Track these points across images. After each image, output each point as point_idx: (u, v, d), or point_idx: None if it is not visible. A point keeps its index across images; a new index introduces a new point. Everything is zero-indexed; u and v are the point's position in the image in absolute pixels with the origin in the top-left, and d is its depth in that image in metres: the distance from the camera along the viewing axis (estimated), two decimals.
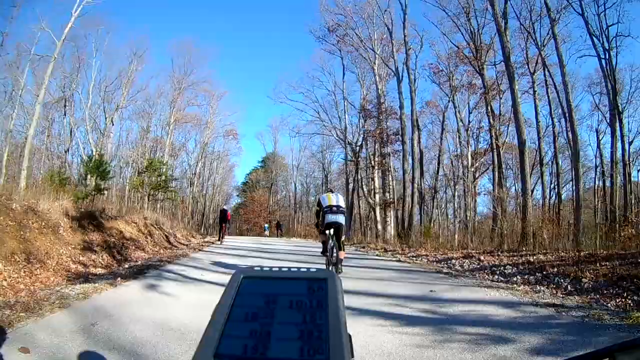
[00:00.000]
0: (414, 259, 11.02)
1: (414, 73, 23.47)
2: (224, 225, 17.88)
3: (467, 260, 9.26)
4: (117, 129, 34.90)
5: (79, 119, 30.10)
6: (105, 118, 30.69)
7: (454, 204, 31.33)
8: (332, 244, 6.84)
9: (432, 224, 26.46)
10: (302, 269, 0.50)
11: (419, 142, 24.11)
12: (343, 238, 7.30)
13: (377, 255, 13.01)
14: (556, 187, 22.99)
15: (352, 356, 0.39)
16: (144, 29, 65.56)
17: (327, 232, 6.92)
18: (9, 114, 21.95)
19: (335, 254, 6.71)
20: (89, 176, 13.09)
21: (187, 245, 14.50)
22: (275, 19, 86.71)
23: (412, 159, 21.35)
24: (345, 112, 31.00)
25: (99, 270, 7.83)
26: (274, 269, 0.50)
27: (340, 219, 6.96)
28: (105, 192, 14.02)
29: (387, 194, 27.67)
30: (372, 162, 28.59)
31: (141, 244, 11.21)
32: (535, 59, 20.12)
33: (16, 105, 21.55)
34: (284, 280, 0.48)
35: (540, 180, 21.02)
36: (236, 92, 79.10)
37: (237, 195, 65.81)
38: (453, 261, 9.45)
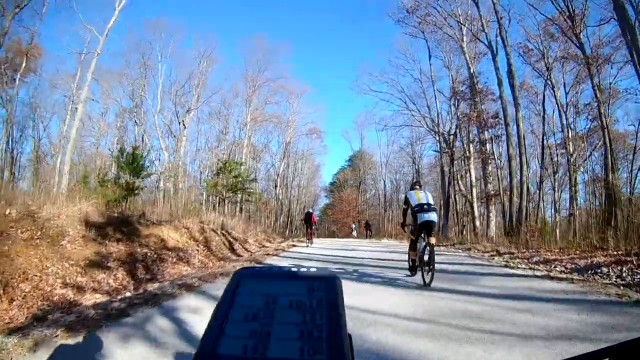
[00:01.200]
0: (548, 266, 7.87)
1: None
2: (309, 227, 17.60)
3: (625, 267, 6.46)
4: (193, 133, 34.53)
5: (152, 124, 29.84)
6: (179, 123, 30.09)
7: (553, 195, 26.61)
8: (424, 244, 6.11)
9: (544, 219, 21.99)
10: (302, 269, 0.49)
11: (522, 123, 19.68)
12: (434, 241, 6.28)
13: (492, 261, 9.53)
14: None
15: (352, 356, 0.40)
16: (211, 28, 65.74)
17: (421, 234, 6.28)
18: (62, 118, 21.47)
19: (427, 255, 5.86)
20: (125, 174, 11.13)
21: (253, 252, 12.05)
22: (350, 9, 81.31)
23: (519, 143, 17.20)
24: (435, 99, 27.15)
25: (98, 297, 5.48)
26: (273, 269, 0.51)
27: (434, 216, 6.17)
28: (139, 191, 11.93)
29: (488, 186, 23.75)
30: (467, 152, 24.55)
31: (188, 254, 8.88)
32: None
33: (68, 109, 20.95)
34: (284, 280, 0.48)
35: None
36: (317, 89, 77.51)
37: (325, 196, 63.97)
38: (605, 269, 6.66)
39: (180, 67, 32.30)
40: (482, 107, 23.13)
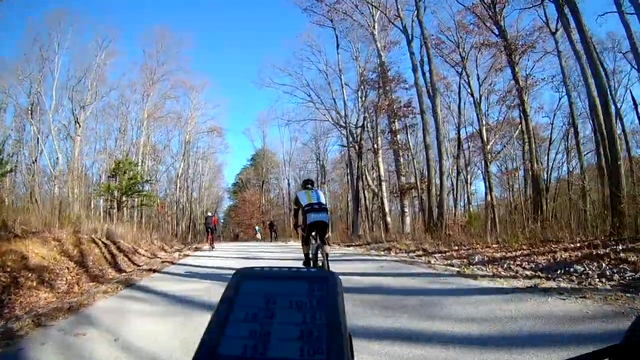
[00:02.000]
0: (501, 267, 6.71)
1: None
2: (210, 233, 17.54)
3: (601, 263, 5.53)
4: (93, 133, 31.47)
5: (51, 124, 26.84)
6: (75, 121, 27.16)
7: (467, 188, 28.27)
8: (316, 245, 6.23)
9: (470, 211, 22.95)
10: (302, 269, 0.49)
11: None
12: (327, 235, 6.49)
13: (430, 265, 7.84)
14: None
15: (352, 356, 0.41)
16: (113, 20, 60.48)
17: (311, 233, 6.39)
18: None
19: (321, 256, 5.93)
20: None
21: (140, 266, 10.68)
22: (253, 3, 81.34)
23: (437, 130, 17.00)
24: (342, 90, 26.70)
25: None
26: (274, 269, 0.50)
27: (324, 217, 6.22)
28: None
29: (402, 179, 23.56)
30: (375, 144, 24.61)
31: (55, 274, 7.43)
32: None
33: None
34: (284, 280, 0.48)
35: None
36: (218, 85, 75.27)
37: (229, 197, 62.81)
38: (578, 267, 5.57)
39: (79, 60, 29.16)
40: (393, 96, 23.26)
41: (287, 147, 47.90)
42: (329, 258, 5.95)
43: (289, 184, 47.71)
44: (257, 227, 38.74)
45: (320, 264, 6.09)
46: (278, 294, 0.45)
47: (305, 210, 6.25)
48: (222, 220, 61.37)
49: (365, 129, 25.41)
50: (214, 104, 42.26)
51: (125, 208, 23.00)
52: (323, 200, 6.35)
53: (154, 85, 31.28)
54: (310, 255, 6.48)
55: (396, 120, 22.93)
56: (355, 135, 26.05)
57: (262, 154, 51.87)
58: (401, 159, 24.13)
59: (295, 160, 47.56)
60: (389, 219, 23.33)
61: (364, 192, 27.03)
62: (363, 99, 25.91)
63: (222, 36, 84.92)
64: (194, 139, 39.99)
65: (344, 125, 26.97)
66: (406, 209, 21.64)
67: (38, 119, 27.24)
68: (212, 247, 16.87)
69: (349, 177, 29.41)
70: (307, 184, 6.70)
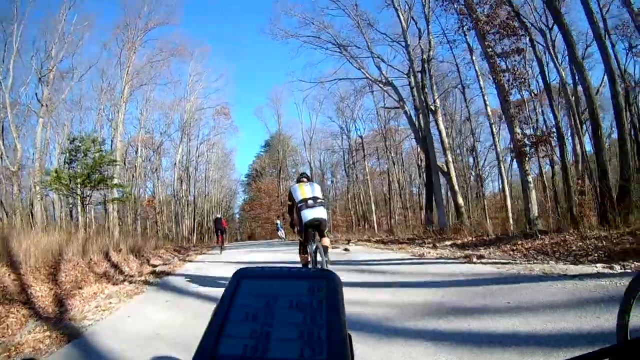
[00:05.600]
0: None
1: None
2: (220, 234, 16.86)
3: None
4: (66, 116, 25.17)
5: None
6: (37, 100, 21.04)
7: None
8: (314, 247, 5.27)
9: None
10: (301, 269, 0.49)
11: None
12: (326, 242, 5.46)
13: None
14: None
15: (352, 356, 0.40)
16: None
17: (308, 231, 5.34)
18: None
19: (321, 259, 5.08)
20: None
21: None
22: None
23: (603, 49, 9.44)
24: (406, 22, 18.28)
25: None
26: (273, 268, 0.49)
27: (320, 212, 5.35)
28: None
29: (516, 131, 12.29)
30: (434, 100, 17.42)
31: None
32: None
33: None
34: (284, 280, 0.48)
35: None
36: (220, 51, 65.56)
37: (243, 191, 55.91)
38: None
39: (44, 27, 22.70)
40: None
41: (307, 125, 40.65)
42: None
43: (311, 169, 39.93)
44: (278, 222, 27.99)
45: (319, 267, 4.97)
46: (278, 294, 0.44)
47: (299, 206, 5.36)
48: (237, 216, 55.41)
49: (426, 76, 17.64)
50: (216, 74, 35.15)
51: (90, 206, 16.48)
52: (319, 194, 5.48)
53: (137, 44, 24.18)
54: (309, 251, 5.35)
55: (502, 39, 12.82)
56: (415, 85, 18.04)
57: (277, 137, 44.81)
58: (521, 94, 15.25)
59: (316, 141, 39.93)
60: (460, 200, 16.51)
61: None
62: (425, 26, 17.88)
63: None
64: (196, 119, 33.21)
65: (383, 80, 19.87)
66: (529, 179, 11.92)
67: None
68: (222, 249, 16.09)
69: (416, 144, 21.85)
70: (302, 177, 5.84)
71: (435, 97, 17.93)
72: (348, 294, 0.80)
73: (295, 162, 46.31)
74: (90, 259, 8.63)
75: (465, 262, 6.56)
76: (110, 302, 5.18)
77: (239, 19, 74.52)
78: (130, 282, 7.26)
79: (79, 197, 14.50)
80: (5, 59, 20.25)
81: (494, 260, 6.43)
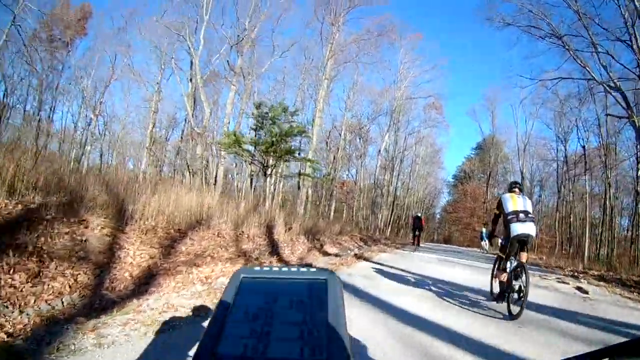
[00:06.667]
0: None
1: None
2: (417, 232, 16.91)
3: None
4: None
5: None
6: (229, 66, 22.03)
7: None
8: (515, 264, 4.80)
9: None
10: (302, 269, 0.48)
11: None
12: (525, 258, 4.89)
13: None
14: None
15: (352, 356, 0.40)
16: None
17: (513, 250, 4.91)
18: None
19: (517, 278, 4.59)
20: None
21: None
22: None
23: None
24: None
25: None
26: (274, 269, 0.49)
27: (530, 228, 4.86)
28: None
29: None
30: None
31: None
32: None
33: None
34: (284, 280, 0.47)
35: None
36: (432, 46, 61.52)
37: (448, 192, 52.64)
38: None
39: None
40: None
41: (522, 129, 35.65)
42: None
43: (522, 179, 33.96)
44: (483, 230, 21.63)
45: (517, 291, 4.51)
46: (278, 293, 0.43)
47: (508, 218, 4.98)
48: (438, 216, 52.54)
49: None
50: (429, 64, 32.59)
51: (274, 178, 16.13)
52: (530, 209, 5.07)
53: (340, 21, 23.28)
54: (507, 269, 4.88)
55: None
56: None
57: (490, 140, 40.60)
58: None
59: (529, 150, 34.77)
60: None
61: None
62: None
63: None
64: (405, 108, 31.62)
65: (610, 84, 15.90)
66: None
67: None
68: (417, 247, 16.07)
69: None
70: (514, 186, 5.39)
71: None
72: None
73: (505, 170, 40.89)
74: (242, 232, 7.74)
75: None
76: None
77: (450, 5, 68.69)
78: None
79: (261, 165, 13.99)
80: (197, 29, 21.26)
81: None
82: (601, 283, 8.56)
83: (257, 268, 0.48)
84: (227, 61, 22.11)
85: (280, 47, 23.76)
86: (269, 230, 8.98)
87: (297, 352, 0.36)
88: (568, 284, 7.98)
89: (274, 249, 7.81)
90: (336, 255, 9.82)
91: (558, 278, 8.88)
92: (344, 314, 0.41)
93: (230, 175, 27.25)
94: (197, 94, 20.73)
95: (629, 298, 6.77)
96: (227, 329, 0.39)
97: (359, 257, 9.78)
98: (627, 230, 28.81)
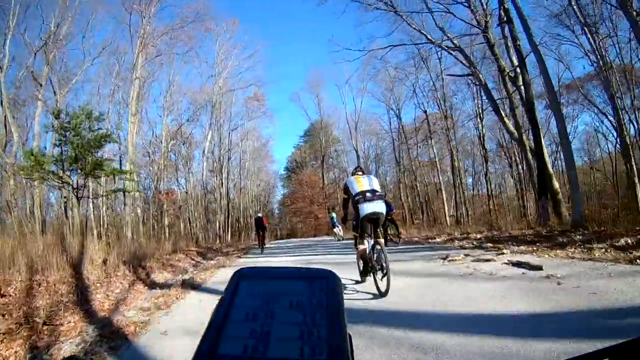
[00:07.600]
0: None
1: None
2: (261, 233, 16.58)
3: None
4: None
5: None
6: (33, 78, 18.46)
7: None
8: (372, 242, 5.01)
9: None
10: (302, 269, 0.49)
11: None
12: (382, 240, 5.11)
13: None
14: None
15: (352, 357, 0.40)
16: None
17: (365, 229, 5.06)
18: None
19: (382, 258, 4.69)
20: None
21: None
22: None
23: None
24: None
25: None
26: (273, 268, 0.49)
27: (380, 207, 5.04)
28: None
29: None
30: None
31: None
32: None
33: None
34: (284, 279, 0.47)
35: None
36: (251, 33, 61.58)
37: (282, 185, 52.87)
38: None
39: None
40: None
41: (351, 108, 36.81)
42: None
43: (358, 158, 35.68)
44: (333, 215, 21.45)
45: (379, 269, 4.72)
46: (278, 293, 0.44)
47: (356, 199, 5.07)
48: (276, 212, 52.59)
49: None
50: (248, 52, 31.79)
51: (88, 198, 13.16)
52: (377, 187, 5.19)
53: (151, 10, 20.96)
54: (367, 249, 5.01)
55: None
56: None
57: (318, 125, 41.35)
58: None
59: (361, 128, 36.26)
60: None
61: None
62: None
63: None
64: (227, 102, 30.04)
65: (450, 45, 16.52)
66: None
67: None
68: (263, 249, 15.92)
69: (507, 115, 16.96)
70: (357, 170, 5.60)
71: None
72: None
73: (337, 153, 42.65)
74: (38, 282, 5.25)
75: None
76: None
77: None
78: None
79: (70, 187, 11.18)
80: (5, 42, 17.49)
81: None
82: (528, 249, 7.29)
83: (257, 268, 0.47)
84: (32, 72, 18.62)
85: (92, 54, 21.53)
86: (76, 269, 6.51)
87: (297, 352, 0.36)
88: (494, 261, 6.33)
89: (81, 296, 5.48)
90: (165, 285, 7.62)
91: (468, 255, 7.41)
92: (344, 313, 0.41)
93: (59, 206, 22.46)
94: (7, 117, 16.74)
95: (600, 260, 5.37)
96: (227, 329, 0.38)
97: (186, 284, 7.65)
98: (473, 188, 32.18)
